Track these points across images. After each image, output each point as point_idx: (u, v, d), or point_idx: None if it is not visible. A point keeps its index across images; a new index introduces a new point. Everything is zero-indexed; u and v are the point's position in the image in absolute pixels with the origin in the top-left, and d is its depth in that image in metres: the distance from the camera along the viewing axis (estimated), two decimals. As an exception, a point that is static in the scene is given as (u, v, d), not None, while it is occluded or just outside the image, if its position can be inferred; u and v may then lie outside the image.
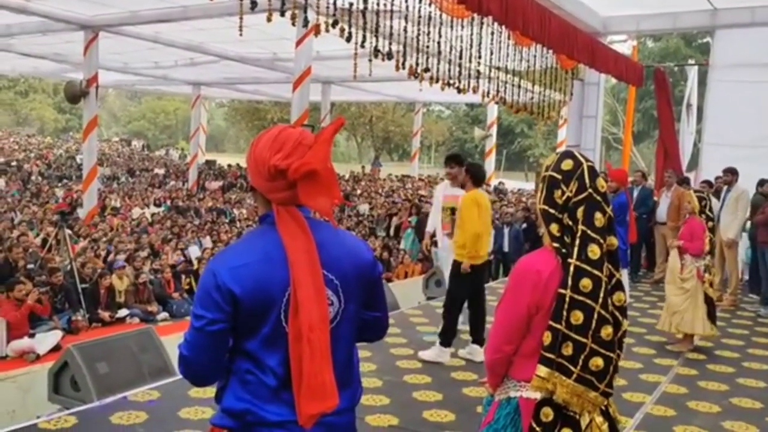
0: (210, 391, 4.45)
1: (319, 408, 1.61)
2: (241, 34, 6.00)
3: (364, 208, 19.14)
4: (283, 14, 5.55)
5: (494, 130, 23.09)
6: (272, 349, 1.66)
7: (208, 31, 13.76)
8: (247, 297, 1.62)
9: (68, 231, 10.22)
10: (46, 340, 7.61)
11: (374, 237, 15.25)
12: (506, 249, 12.57)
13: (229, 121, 48.14)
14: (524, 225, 12.82)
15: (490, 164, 23.53)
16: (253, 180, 1.72)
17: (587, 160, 2.10)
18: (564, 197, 2.06)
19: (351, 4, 6.07)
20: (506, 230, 12.72)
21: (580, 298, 1.98)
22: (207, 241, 13.26)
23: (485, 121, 24.41)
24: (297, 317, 1.59)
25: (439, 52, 8.17)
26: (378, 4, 6.50)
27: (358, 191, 22.24)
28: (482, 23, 7.96)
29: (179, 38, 14.89)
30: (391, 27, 7.45)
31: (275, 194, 1.67)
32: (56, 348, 7.45)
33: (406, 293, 8.88)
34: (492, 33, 8.33)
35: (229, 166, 29.16)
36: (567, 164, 2.09)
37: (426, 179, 25.41)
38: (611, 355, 2.02)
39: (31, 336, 7.66)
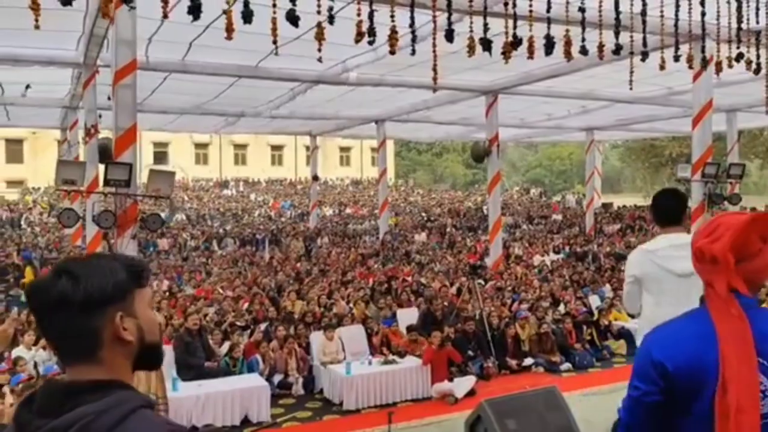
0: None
1: None
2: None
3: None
4: (677, 59, 5.22)
5: None
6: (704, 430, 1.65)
7: (597, 78, 13.80)
8: (679, 373, 1.66)
9: (479, 281, 11.17)
10: (462, 384, 8.36)
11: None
12: None
13: (624, 161, 46.80)
14: None
15: None
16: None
17: None
18: None
19: (758, 33, 5.42)
20: None
21: None
22: (607, 289, 12.99)
23: None
24: (725, 396, 1.57)
25: None
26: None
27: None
28: None
29: (570, 88, 15.32)
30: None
31: (703, 275, 1.72)
32: (471, 392, 8.14)
33: None
34: None
35: (625, 207, 28.25)
36: None
37: None
38: None
39: (450, 379, 8.50)
